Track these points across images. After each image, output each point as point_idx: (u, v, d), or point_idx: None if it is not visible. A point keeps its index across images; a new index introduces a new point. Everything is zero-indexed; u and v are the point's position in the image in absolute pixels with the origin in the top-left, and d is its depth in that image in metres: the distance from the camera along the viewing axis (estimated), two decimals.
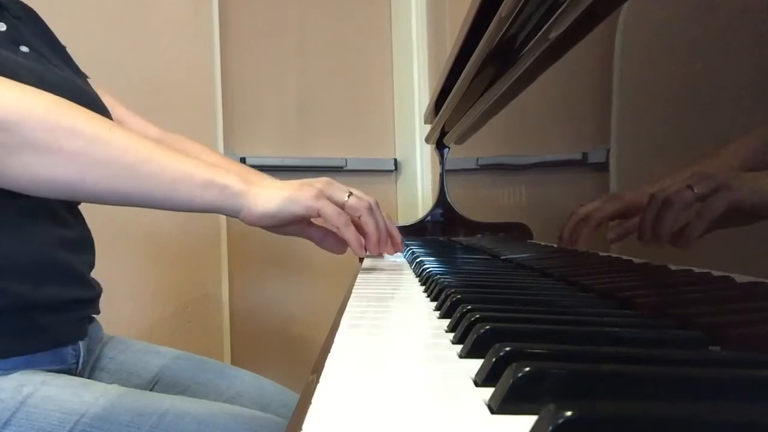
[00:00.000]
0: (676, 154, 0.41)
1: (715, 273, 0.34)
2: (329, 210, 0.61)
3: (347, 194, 0.64)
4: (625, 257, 0.47)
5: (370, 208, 0.66)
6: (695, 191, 0.35)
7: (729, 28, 0.35)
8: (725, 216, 0.33)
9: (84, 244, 0.76)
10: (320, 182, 0.64)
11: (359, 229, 0.67)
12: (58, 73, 0.72)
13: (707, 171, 0.36)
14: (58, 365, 0.67)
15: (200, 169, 0.58)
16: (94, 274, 0.78)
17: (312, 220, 0.66)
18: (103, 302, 0.79)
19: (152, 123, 0.91)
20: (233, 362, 1.63)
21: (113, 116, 0.80)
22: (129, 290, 1.49)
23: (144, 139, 0.58)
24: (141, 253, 1.50)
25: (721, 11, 0.36)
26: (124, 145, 0.55)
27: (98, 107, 0.76)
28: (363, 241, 0.67)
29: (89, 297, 0.74)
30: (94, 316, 0.79)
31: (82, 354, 0.71)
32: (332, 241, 0.67)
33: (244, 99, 1.76)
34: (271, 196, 0.60)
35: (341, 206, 0.63)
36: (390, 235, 0.77)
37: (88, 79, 0.85)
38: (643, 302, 0.43)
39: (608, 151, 0.50)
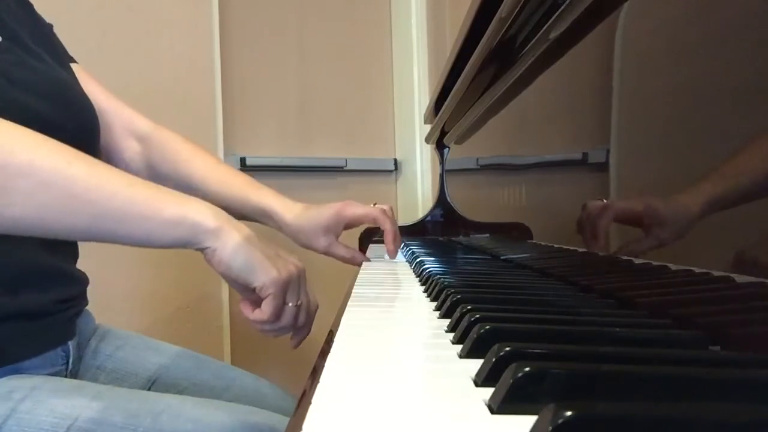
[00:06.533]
0: (676, 153, 0.41)
1: (715, 273, 0.34)
2: (270, 306, 0.57)
3: (299, 301, 0.61)
4: (625, 257, 0.47)
5: (308, 317, 0.64)
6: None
7: (729, 28, 0.35)
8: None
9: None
10: (291, 274, 0.59)
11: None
12: (32, 65, 0.68)
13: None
14: (48, 369, 0.66)
15: (171, 204, 0.54)
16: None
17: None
18: (102, 302, 0.78)
19: (144, 116, 0.86)
20: (233, 362, 1.62)
21: (96, 106, 0.76)
22: (129, 290, 1.49)
23: (109, 170, 0.53)
24: (141, 252, 1.50)
25: (721, 11, 0.36)
26: (85, 181, 0.51)
27: (76, 101, 0.72)
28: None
29: (75, 294, 0.72)
30: (83, 308, 0.76)
31: (71, 353, 0.70)
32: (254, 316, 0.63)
33: (244, 99, 1.75)
34: (240, 249, 0.55)
35: (285, 303, 0.60)
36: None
37: (74, 64, 0.82)
38: (643, 302, 0.43)
39: (608, 151, 0.50)
